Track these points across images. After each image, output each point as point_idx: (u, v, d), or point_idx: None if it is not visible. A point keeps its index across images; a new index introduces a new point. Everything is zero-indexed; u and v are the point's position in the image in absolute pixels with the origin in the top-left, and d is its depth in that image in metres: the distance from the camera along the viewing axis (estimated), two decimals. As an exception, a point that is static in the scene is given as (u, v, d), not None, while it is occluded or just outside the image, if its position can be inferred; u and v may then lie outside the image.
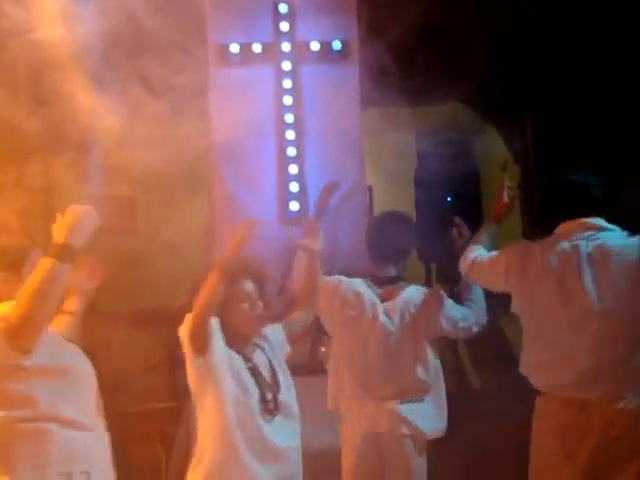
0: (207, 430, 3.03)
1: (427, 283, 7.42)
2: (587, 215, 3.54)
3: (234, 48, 5.63)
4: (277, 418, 3.06)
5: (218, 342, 3.03)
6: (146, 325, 5.49)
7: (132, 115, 4.50)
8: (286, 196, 5.56)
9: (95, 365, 4.92)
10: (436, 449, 4.32)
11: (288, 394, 3.15)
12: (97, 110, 4.50)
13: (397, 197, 8.04)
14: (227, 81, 5.61)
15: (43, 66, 4.27)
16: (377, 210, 8.02)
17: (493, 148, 8.11)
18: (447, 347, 6.95)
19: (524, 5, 6.37)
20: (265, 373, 3.12)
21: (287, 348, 3.32)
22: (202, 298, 2.94)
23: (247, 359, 3.11)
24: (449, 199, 6.40)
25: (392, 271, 4.08)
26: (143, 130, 4.48)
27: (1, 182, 4.35)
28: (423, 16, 6.09)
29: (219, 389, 3.00)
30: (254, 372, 3.08)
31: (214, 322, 3.03)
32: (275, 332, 3.28)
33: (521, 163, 7.53)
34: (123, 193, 5.63)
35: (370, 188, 8.34)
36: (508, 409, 4.96)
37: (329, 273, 4.03)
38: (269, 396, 3.06)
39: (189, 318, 3.00)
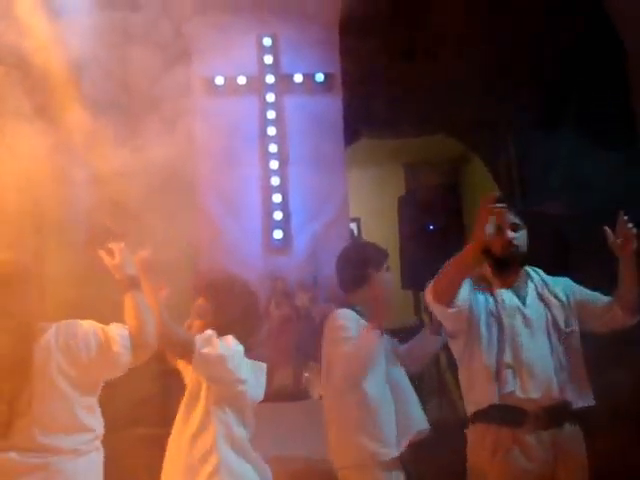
0: None
1: (416, 311, 7.47)
2: None
3: (219, 80, 5.75)
4: None
5: None
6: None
7: (117, 143, 4.56)
8: (270, 224, 5.63)
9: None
10: (421, 474, 4.32)
11: None
12: (83, 141, 4.57)
13: (383, 228, 8.13)
14: (212, 112, 5.70)
15: (33, 86, 4.34)
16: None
17: (478, 178, 8.21)
18: (433, 372, 6.97)
19: (510, 34, 6.48)
20: None
21: None
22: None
23: None
24: (431, 227, 6.46)
25: None
26: (128, 158, 4.54)
27: None
28: (407, 48, 6.22)
29: None
30: None
31: None
32: None
33: (506, 194, 7.61)
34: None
35: (358, 220, 8.44)
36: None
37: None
38: None
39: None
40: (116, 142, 4.50)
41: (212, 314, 3.07)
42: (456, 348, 3.34)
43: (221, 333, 2.97)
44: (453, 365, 7.25)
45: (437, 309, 3.22)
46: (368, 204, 8.20)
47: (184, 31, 5.62)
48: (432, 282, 3.19)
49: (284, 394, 4.83)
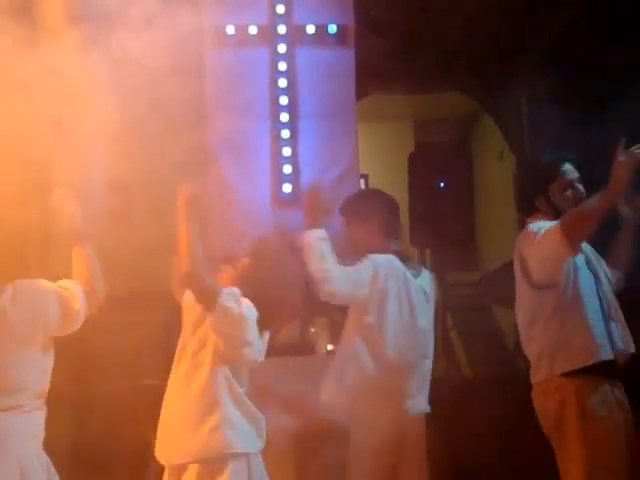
0: None
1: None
2: None
3: (230, 29, 5.64)
4: None
5: None
6: (143, 308, 5.51)
7: (126, 98, 4.49)
8: (279, 178, 5.57)
9: (91, 345, 4.97)
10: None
11: None
12: (91, 94, 4.50)
13: (392, 184, 8.07)
14: (222, 62, 5.61)
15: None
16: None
17: (489, 136, 8.13)
18: (439, 332, 6.98)
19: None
20: None
21: None
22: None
23: None
24: (442, 185, 6.41)
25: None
26: (136, 114, 4.48)
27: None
28: (422, 2, 6.10)
29: None
30: None
31: None
32: None
33: (517, 152, 7.54)
34: (121, 179, 5.62)
35: (366, 176, 8.38)
36: (500, 397, 4.99)
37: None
38: None
39: None
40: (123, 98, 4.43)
41: (251, 275, 3.16)
42: (544, 300, 3.32)
43: (249, 296, 3.06)
44: (459, 325, 7.30)
45: (562, 252, 3.16)
46: (377, 160, 8.13)
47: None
48: (563, 223, 3.14)
49: (290, 348, 4.82)
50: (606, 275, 3.40)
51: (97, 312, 4.32)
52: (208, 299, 2.95)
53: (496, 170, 8.08)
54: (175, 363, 3.13)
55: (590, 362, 3.22)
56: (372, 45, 6.08)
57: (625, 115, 5.55)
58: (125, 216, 5.59)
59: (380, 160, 8.24)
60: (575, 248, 3.18)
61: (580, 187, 3.37)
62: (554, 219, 3.32)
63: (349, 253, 3.83)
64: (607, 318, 3.25)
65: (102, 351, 5.08)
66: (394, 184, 8.23)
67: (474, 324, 7.45)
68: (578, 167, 3.47)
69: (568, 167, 3.42)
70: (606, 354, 3.22)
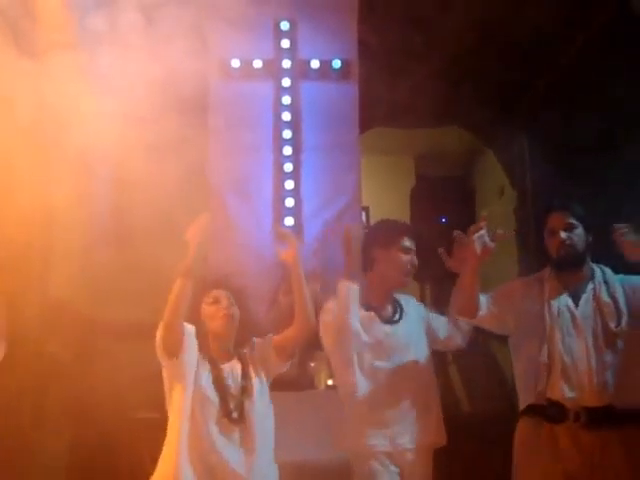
0: (168, 435, 3.06)
1: (422, 302, 7.44)
2: None
3: (235, 63, 5.70)
4: (239, 434, 3.04)
5: (190, 346, 3.08)
6: (140, 337, 5.47)
7: (130, 128, 4.53)
8: (281, 211, 5.59)
9: (87, 374, 4.94)
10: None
11: (260, 405, 3.14)
12: (98, 124, 4.53)
13: (392, 217, 8.07)
14: (227, 95, 5.65)
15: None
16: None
17: (490, 172, 8.15)
18: (438, 370, 6.94)
19: (528, 27, 6.41)
20: (232, 381, 3.11)
21: (273, 361, 3.26)
22: (170, 303, 2.98)
23: (215, 365, 3.11)
24: (443, 220, 6.42)
25: None
26: (143, 143, 4.51)
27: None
28: (424, 38, 6.15)
29: (182, 393, 3.03)
30: (217, 379, 3.08)
31: (189, 327, 3.09)
32: (263, 343, 3.28)
33: (518, 189, 7.56)
34: (124, 206, 5.65)
35: (367, 208, 8.40)
36: (498, 432, 4.96)
37: (323, 290, 4.00)
38: (232, 404, 3.04)
39: (161, 323, 3.02)
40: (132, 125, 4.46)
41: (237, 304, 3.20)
42: (510, 345, 3.56)
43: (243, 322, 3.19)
44: (458, 359, 7.27)
45: (466, 321, 3.54)
46: (377, 193, 8.15)
47: (200, 12, 5.56)
48: (451, 301, 3.50)
49: (289, 383, 4.80)
50: (600, 328, 3.35)
51: (102, 340, 4.29)
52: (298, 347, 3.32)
53: (497, 205, 8.10)
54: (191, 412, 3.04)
55: (521, 406, 3.39)
56: (375, 80, 6.13)
57: (627, 152, 5.59)
58: (128, 243, 5.60)
59: (381, 193, 8.26)
60: (466, 316, 3.46)
61: (563, 235, 3.38)
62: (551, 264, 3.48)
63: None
64: (540, 366, 3.31)
65: (103, 380, 5.05)
66: (394, 216, 8.25)
67: (473, 359, 7.42)
68: (579, 213, 3.47)
69: (555, 214, 3.45)
70: (528, 399, 3.34)
